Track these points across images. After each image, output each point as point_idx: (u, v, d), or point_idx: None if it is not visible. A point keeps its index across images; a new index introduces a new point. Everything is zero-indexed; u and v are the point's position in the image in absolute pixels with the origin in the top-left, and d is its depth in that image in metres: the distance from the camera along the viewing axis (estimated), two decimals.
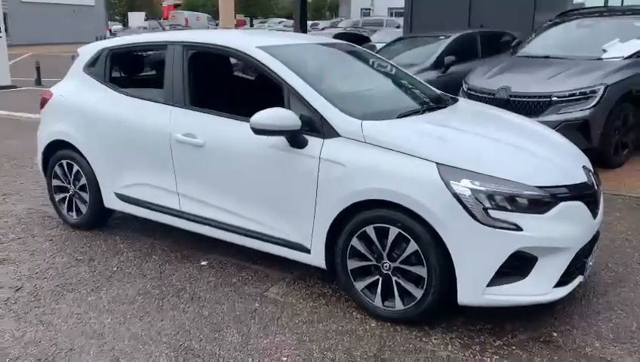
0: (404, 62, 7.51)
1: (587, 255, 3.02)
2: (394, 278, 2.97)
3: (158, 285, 3.51)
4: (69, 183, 4.36)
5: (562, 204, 2.80)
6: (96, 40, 5.50)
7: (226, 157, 3.46)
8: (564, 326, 3.00)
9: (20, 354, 2.80)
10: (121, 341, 2.91)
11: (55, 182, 4.46)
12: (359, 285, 3.10)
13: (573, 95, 5.80)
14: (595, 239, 3.12)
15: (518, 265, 2.76)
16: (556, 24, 7.57)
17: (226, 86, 4.60)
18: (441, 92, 4.16)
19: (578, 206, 2.89)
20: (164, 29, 27.82)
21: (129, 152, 3.95)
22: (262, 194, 3.36)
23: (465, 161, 2.82)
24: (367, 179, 2.94)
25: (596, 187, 3.14)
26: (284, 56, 3.48)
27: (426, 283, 2.86)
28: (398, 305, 2.98)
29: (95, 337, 2.95)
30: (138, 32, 26.42)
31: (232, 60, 4.63)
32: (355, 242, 3.04)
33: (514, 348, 2.82)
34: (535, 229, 2.71)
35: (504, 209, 2.72)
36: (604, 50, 6.40)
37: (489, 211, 2.71)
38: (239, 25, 44.99)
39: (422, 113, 3.48)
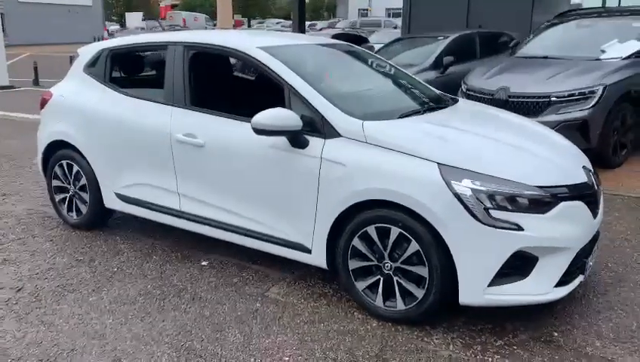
0: (403, 63, 7.52)
1: (587, 255, 3.03)
2: (395, 278, 2.98)
3: (159, 285, 3.52)
4: (69, 183, 4.36)
5: (563, 204, 2.81)
6: (94, 40, 5.49)
7: (226, 157, 3.46)
8: (565, 326, 3.01)
9: (21, 355, 2.80)
10: (122, 341, 2.91)
11: (55, 183, 4.46)
12: (360, 285, 3.10)
13: (572, 95, 5.82)
14: (595, 239, 3.13)
15: (519, 265, 2.77)
16: (554, 25, 7.60)
17: (227, 86, 4.60)
18: (441, 92, 4.17)
19: (578, 206, 2.91)
20: (163, 29, 27.80)
21: (129, 152, 3.95)
22: (263, 194, 3.36)
23: (466, 161, 2.83)
24: (369, 179, 2.94)
25: (596, 187, 3.15)
26: (284, 56, 3.49)
27: (427, 283, 2.87)
28: (400, 305, 2.98)
29: (97, 338, 2.95)
30: (136, 32, 26.40)
31: (233, 61, 4.63)
32: (356, 242, 3.04)
33: (515, 347, 2.83)
34: (536, 229, 2.72)
35: (505, 209, 2.73)
36: (603, 51, 6.42)
37: (490, 211, 2.72)
38: (237, 25, 44.96)
39: (422, 113, 3.49)
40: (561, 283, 2.84)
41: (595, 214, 3.04)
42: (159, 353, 2.80)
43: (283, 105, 3.24)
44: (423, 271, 2.87)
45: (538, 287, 2.79)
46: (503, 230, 2.70)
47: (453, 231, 2.75)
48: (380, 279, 3.03)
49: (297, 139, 3.15)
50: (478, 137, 3.20)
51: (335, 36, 11.55)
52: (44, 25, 37.87)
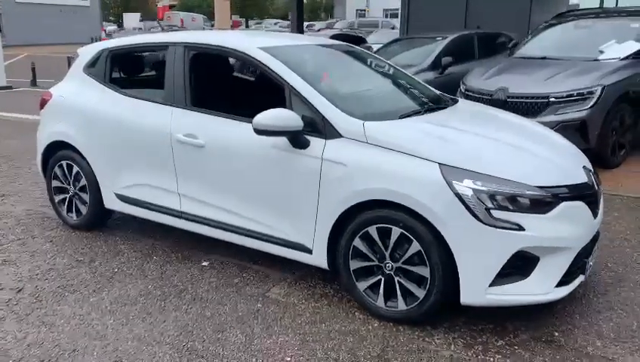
0: (402, 63, 7.52)
1: (588, 255, 3.04)
2: (396, 278, 2.98)
3: (159, 286, 3.51)
4: (69, 184, 4.36)
5: (564, 204, 2.82)
6: (92, 41, 5.49)
7: (227, 157, 3.46)
8: (566, 326, 3.02)
9: (22, 356, 2.80)
10: (124, 342, 2.91)
11: (55, 183, 4.45)
12: (362, 285, 3.11)
13: (571, 96, 5.83)
14: (595, 239, 3.14)
15: (520, 265, 2.77)
16: (553, 25, 7.61)
17: (227, 86, 4.60)
18: (441, 92, 4.18)
19: (579, 206, 2.91)
20: (163, 30, 27.72)
21: (129, 153, 3.94)
22: (263, 194, 3.36)
23: (467, 161, 2.84)
24: (370, 179, 2.95)
25: (596, 187, 3.16)
26: (285, 56, 3.49)
27: (428, 283, 2.87)
28: (401, 305, 2.99)
29: (98, 338, 2.94)
30: (133, 33, 26.36)
31: (233, 61, 4.63)
32: (357, 242, 3.05)
33: (516, 347, 2.83)
34: (537, 229, 2.73)
35: (506, 209, 2.73)
36: (601, 52, 6.44)
37: (491, 211, 2.72)
38: (235, 26, 44.91)
39: (423, 114, 3.49)
40: (561, 283, 2.85)
41: (595, 214, 3.05)
42: (161, 353, 2.80)
43: (283, 106, 3.24)
44: (424, 271, 2.88)
45: (539, 287, 2.79)
46: (504, 230, 2.71)
47: (454, 231, 2.75)
48: (381, 279, 3.03)
49: (298, 140, 3.15)
50: (478, 137, 3.21)
51: (333, 37, 11.54)
52: (42, 25, 37.80)
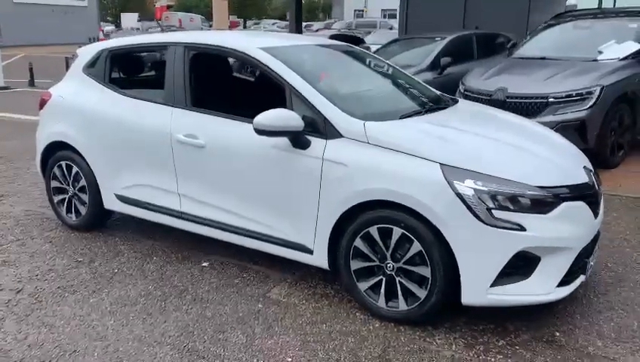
0: (401, 64, 7.48)
1: (589, 255, 3.04)
2: (397, 279, 2.98)
3: (159, 286, 3.51)
4: (68, 185, 4.34)
5: (565, 204, 2.82)
6: (89, 41, 5.48)
7: (227, 157, 3.46)
8: (566, 326, 3.02)
9: (23, 357, 2.79)
10: (124, 342, 2.90)
11: (54, 184, 4.44)
12: (362, 286, 3.10)
13: (570, 96, 5.84)
14: (596, 239, 3.14)
15: (521, 265, 2.77)
16: (552, 26, 7.63)
17: (228, 87, 4.60)
18: (441, 93, 4.18)
19: (580, 206, 2.92)
20: (163, 30, 27.64)
21: (129, 153, 3.93)
22: (264, 194, 3.36)
23: (468, 161, 2.84)
24: (371, 179, 2.95)
25: (597, 187, 3.17)
26: (285, 57, 3.49)
27: (429, 283, 2.87)
28: (402, 305, 2.99)
29: (98, 339, 2.94)
30: (132, 33, 26.32)
31: (234, 61, 4.63)
32: (358, 243, 3.05)
33: (517, 347, 2.83)
34: (538, 229, 2.73)
35: (507, 209, 2.73)
36: (600, 52, 6.45)
37: (492, 211, 2.72)
38: (233, 26, 44.87)
39: (423, 114, 3.49)
40: (563, 283, 2.85)
41: (595, 214, 3.05)
42: (162, 354, 2.80)
43: (284, 106, 3.24)
44: (425, 271, 2.88)
45: (540, 287, 2.79)
46: (506, 230, 2.71)
47: (455, 231, 2.75)
48: (382, 279, 3.03)
49: (299, 140, 3.15)
50: (479, 137, 3.21)
51: (332, 37, 11.56)
52: (40, 26, 37.69)
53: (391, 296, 3.03)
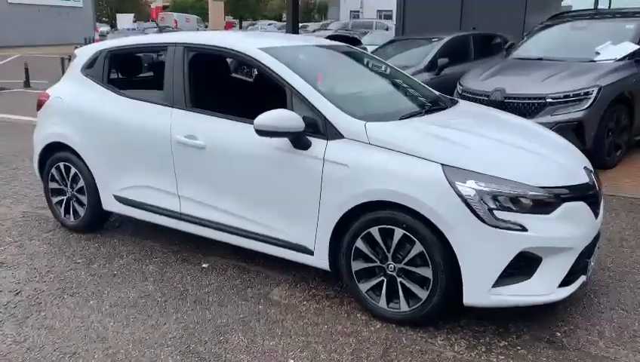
0: (398, 65, 7.47)
1: (589, 255, 3.04)
2: (399, 279, 2.98)
3: (159, 288, 3.49)
4: (67, 186, 4.32)
5: (566, 205, 2.82)
6: (85, 41, 5.46)
7: (228, 158, 3.45)
8: (567, 326, 3.03)
9: (22, 360, 2.77)
10: (125, 344, 2.89)
11: (52, 185, 4.42)
12: (364, 286, 3.10)
13: (568, 97, 5.86)
14: (596, 239, 3.15)
15: (522, 266, 2.77)
16: (549, 27, 7.65)
17: (228, 87, 4.59)
18: (440, 93, 4.18)
19: (581, 206, 2.92)
20: (161, 31, 27.57)
21: (128, 154, 3.92)
22: (264, 195, 3.35)
23: (470, 161, 2.84)
24: (372, 180, 2.94)
25: (597, 187, 3.17)
26: (286, 57, 3.48)
27: (431, 284, 2.87)
28: (403, 306, 2.98)
29: (99, 341, 2.92)
30: (128, 34, 26.23)
31: (234, 62, 4.62)
32: (359, 243, 3.04)
33: (519, 348, 2.84)
34: (540, 230, 2.73)
35: (509, 209, 2.73)
36: (597, 53, 6.47)
37: (494, 212, 2.72)
38: (228, 27, 44.83)
39: (424, 114, 3.49)
40: (564, 283, 2.85)
41: (596, 214, 3.06)
42: (163, 356, 2.78)
43: (284, 106, 3.23)
44: (426, 272, 2.87)
45: (542, 288, 2.79)
46: (507, 231, 2.71)
47: (457, 232, 2.75)
48: (383, 280, 3.03)
49: (300, 141, 3.14)
50: (480, 138, 3.21)
51: (328, 38, 11.55)
52: (35, 26, 37.52)
53: (392, 296, 3.02)
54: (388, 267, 3.00)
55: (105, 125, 4.00)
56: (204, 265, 3.80)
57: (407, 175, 2.86)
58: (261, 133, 3.10)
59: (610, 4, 14.23)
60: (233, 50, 3.64)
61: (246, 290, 3.45)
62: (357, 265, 3.09)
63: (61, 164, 4.30)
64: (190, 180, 3.65)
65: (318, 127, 3.15)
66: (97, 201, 4.17)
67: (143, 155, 3.84)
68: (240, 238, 3.52)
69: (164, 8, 51.78)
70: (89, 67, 4.27)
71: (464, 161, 2.84)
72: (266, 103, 3.37)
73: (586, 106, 5.80)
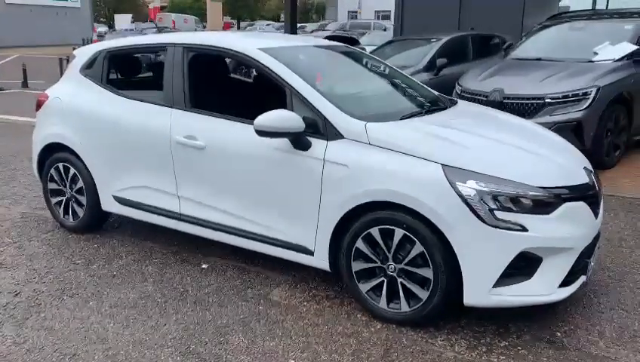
0: (397, 65, 7.49)
1: (589, 255, 3.04)
2: (399, 280, 2.98)
3: (159, 288, 3.49)
4: (66, 186, 4.31)
5: (566, 205, 2.83)
6: (83, 42, 5.45)
7: (227, 159, 3.44)
8: (568, 326, 3.03)
9: (22, 361, 2.76)
10: (125, 345, 2.88)
11: (51, 186, 4.41)
12: (364, 287, 3.10)
13: (567, 97, 5.87)
14: (596, 239, 3.15)
15: (523, 266, 2.78)
16: (547, 27, 7.66)
17: (228, 88, 4.58)
18: (440, 94, 4.18)
19: (581, 206, 2.92)
20: (160, 31, 27.55)
21: (128, 155, 3.91)
22: (264, 196, 3.35)
23: (470, 162, 2.84)
24: (372, 180, 2.94)
25: (597, 187, 3.18)
26: (285, 57, 3.48)
27: (432, 284, 2.87)
28: (404, 306, 2.98)
29: (99, 342, 2.91)
30: (126, 34, 26.20)
31: (234, 62, 4.61)
32: (359, 244, 3.04)
33: (519, 348, 2.84)
34: (540, 230, 2.73)
35: (509, 210, 2.73)
36: (596, 53, 6.48)
37: (494, 212, 2.72)
38: (226, 27, 44.80)
39: (423, 115, 3.49)
40: (564, 283, 2.85)
41: (596, 215, 3.06)
42: (163, 357, 2.78)
43: (284, 107, 3.23)
44: (427, 272, 2.87)
45: (542, 288, 2.79)
46: (508, 231, 2.71)
47: (457, 232, 2.75)
48: (383, 281, 3.03)
49: (300, 141, 3.14)
50: (480, 138, 3.21)
51: (327, 38, 11.55)
52: (33, 26, 37.50)
53: (392, 297, 3.02)
54: (388, 267, 3.00)
55: (104, 126, 4.00)
56: (203, 266, 3.80)
57: (407, 175, 2.86)
58: (261, 133, 3.10)
59: (607, 4, 14.27)
60: (232, 50, 3.64)
61: (246, 291, 3.45)
62: (357, 266, 3.09)
63: (60, 165, 4.29)
64: (190, 180, 3.64)
65: (318, 128, 3.15)
66: (96, 202, 4.16)
67: (143, 156, 3.83)
68: (240, 239, 3.52)
69: (162, 9, 51.76)
70: (88, 67, 4.26)
71: (464, 161, 2.84)
72: (265, 104, 3.36)
73: (584, 106, 5.81)
